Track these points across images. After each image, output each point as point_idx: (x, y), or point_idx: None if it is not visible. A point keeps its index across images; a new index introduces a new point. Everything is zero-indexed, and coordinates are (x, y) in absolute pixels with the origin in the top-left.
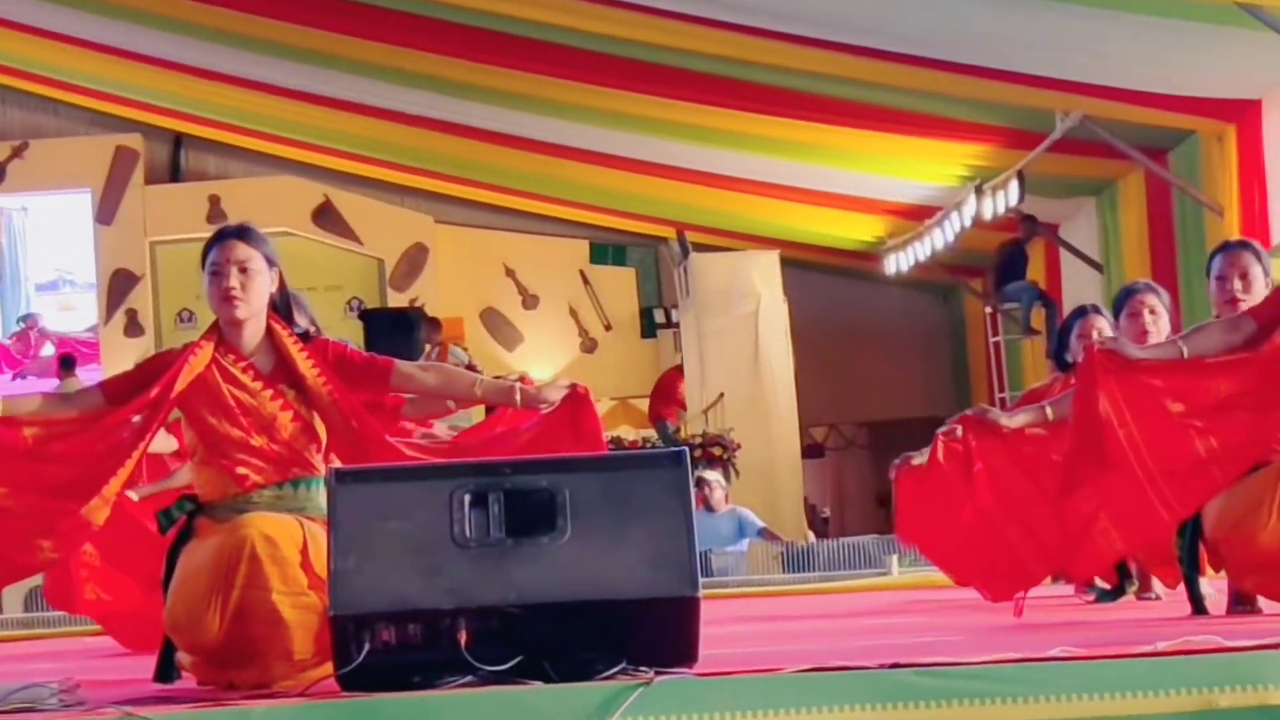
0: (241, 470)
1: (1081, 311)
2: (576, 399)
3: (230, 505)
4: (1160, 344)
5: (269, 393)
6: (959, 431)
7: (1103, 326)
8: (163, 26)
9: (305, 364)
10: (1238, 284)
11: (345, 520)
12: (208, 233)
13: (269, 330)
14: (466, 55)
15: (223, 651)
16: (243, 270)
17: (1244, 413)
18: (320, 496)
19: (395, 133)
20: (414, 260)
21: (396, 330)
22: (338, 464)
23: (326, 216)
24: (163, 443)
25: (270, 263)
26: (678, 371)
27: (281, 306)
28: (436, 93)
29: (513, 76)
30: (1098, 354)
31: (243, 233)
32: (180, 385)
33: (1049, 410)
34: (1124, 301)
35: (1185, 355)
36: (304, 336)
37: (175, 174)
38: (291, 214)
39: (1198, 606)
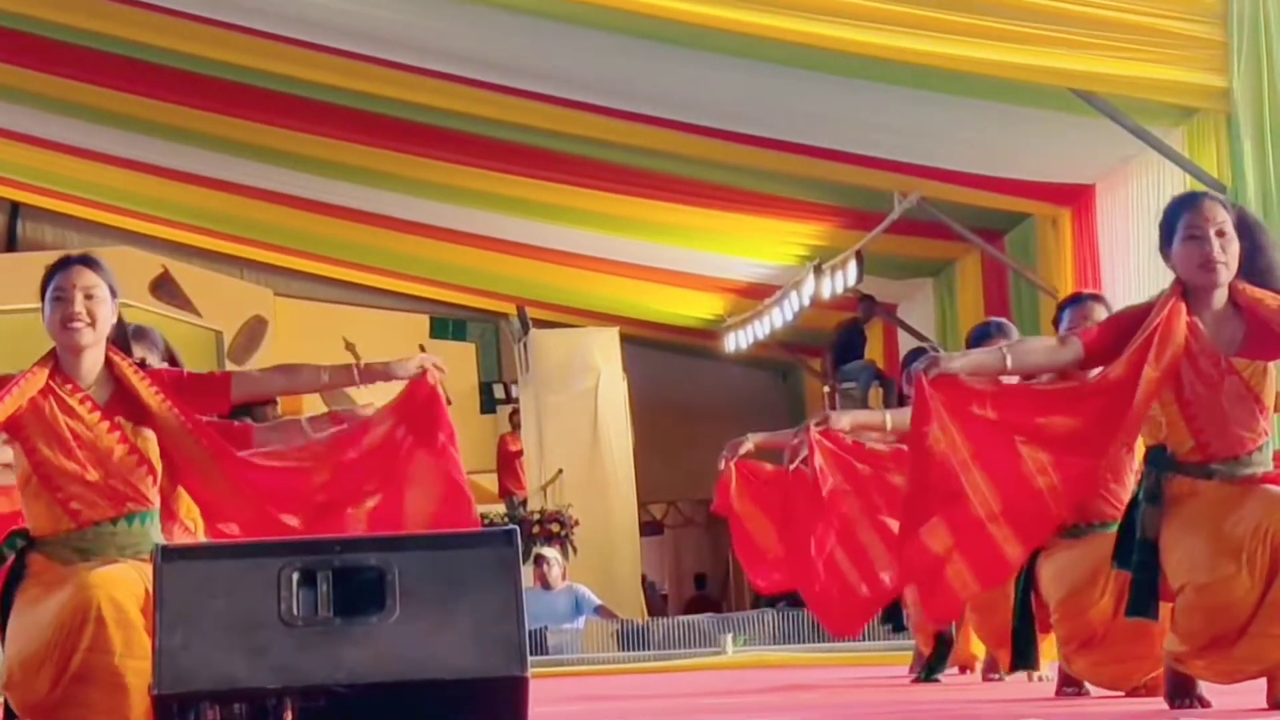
0: (75, 505)
1: (921, 354)
2: (424, 397)
3: (64, 541)
4: (985, 349)
5: (105, 424)
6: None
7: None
8: (1, 96)
9: (148, 390)
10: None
11: (171, 597)
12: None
13: (108, 361)
14: (308, 129)
15: (57, 712)
16: (88, 296)
17: (1078, 456)
18: (154, 531)
19: (235, 204)
20: (253, 333)
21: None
22: (168, 540)
23: (165, 288)
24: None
25: (113, 292)
26: (511, 439)
27: (119, 338)
28: (277, 166)
29: (354, 150)
30: (928, 382)
31: (87, 260)
32: (10, 408)
33: (888, 418)
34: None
35: (1009, 363)
36: (141, 364)
37: (11, 243)
38: (129, 285)
39: (1025, 660)
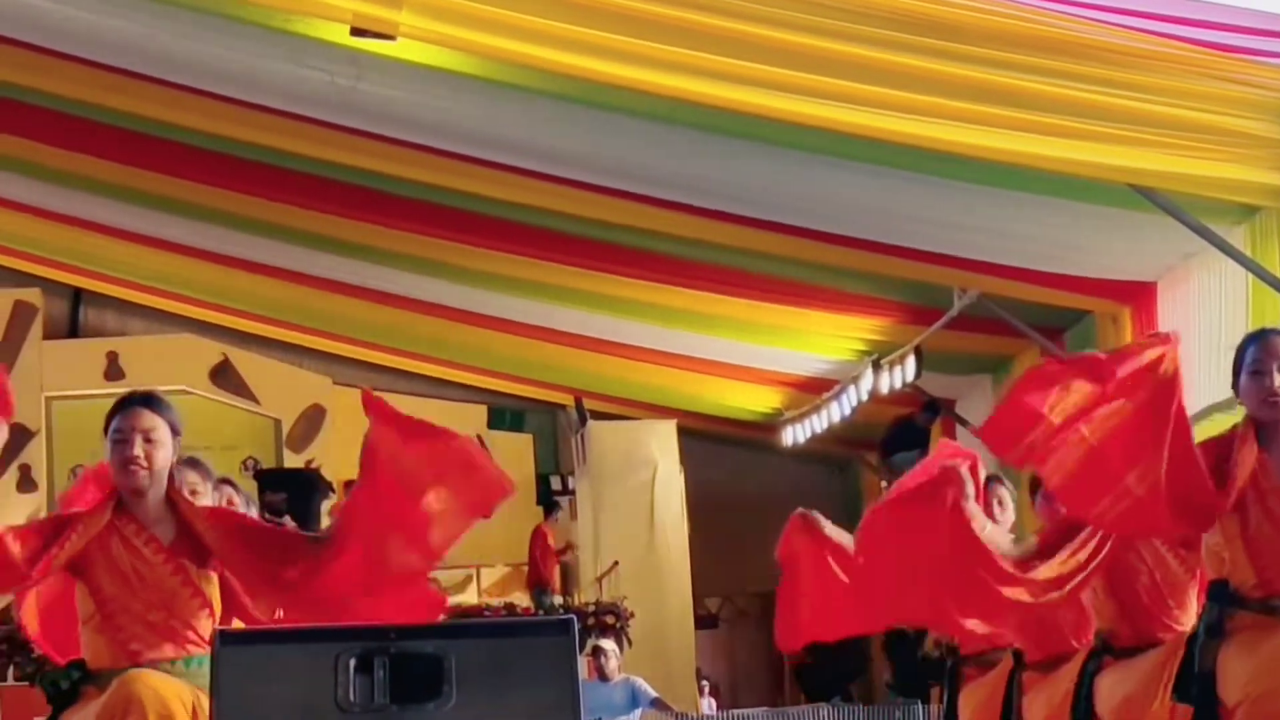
0: (135, 645)
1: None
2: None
3: (119, 676)
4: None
5: (169, 566)
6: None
7: (1003, 495)
8: (64, 182)
9: (207, 529)
10: None
11: (229, 682)
12: (104, 389)
13: (169, 499)
14: (369, 218)
15: None
16: (148, 439)
17: None
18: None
19: (295, 293)
20: (311, 421)
21: (292, 491)
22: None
23: (224, 375)
24: None
25: (174, 432)
26: (548, 531)
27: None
28: (337, 254)
29: (413, 240)
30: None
31: (149, 401)
32: (71, 552)
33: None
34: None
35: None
36: (191, 494)
37: (74, 329)
38: (189, 372)
39: None
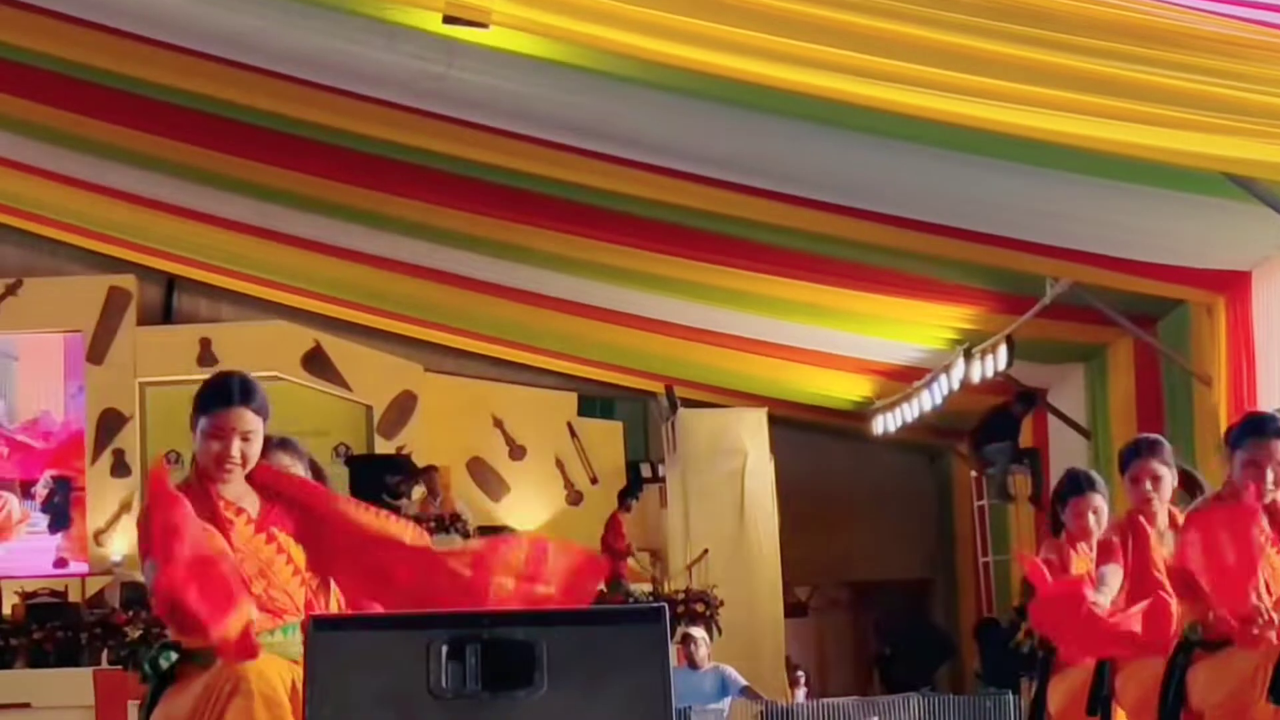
0: None
1: (1076, 488)
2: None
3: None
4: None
5: (262, 537)
6: None
7: (1099, 506)
8: (159, 169)
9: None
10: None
11: (322, 668)
12: (197, 375)
13: (254, 474)
14: (461, 205)
15: None
16: (244, 439)
17: None
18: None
19: (388, 281)
20: (402, 407)
21: (383, 477)
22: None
23: (316, 362)
24: None
25: (265, 418)
26: (613, 518)
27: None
28: (430, 242)
29: (507, 228)
30: None
31: (246, 397)
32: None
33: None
34: (1127, 464)
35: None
36: None
37: (167, 316)
38: (281, 359)
39: None
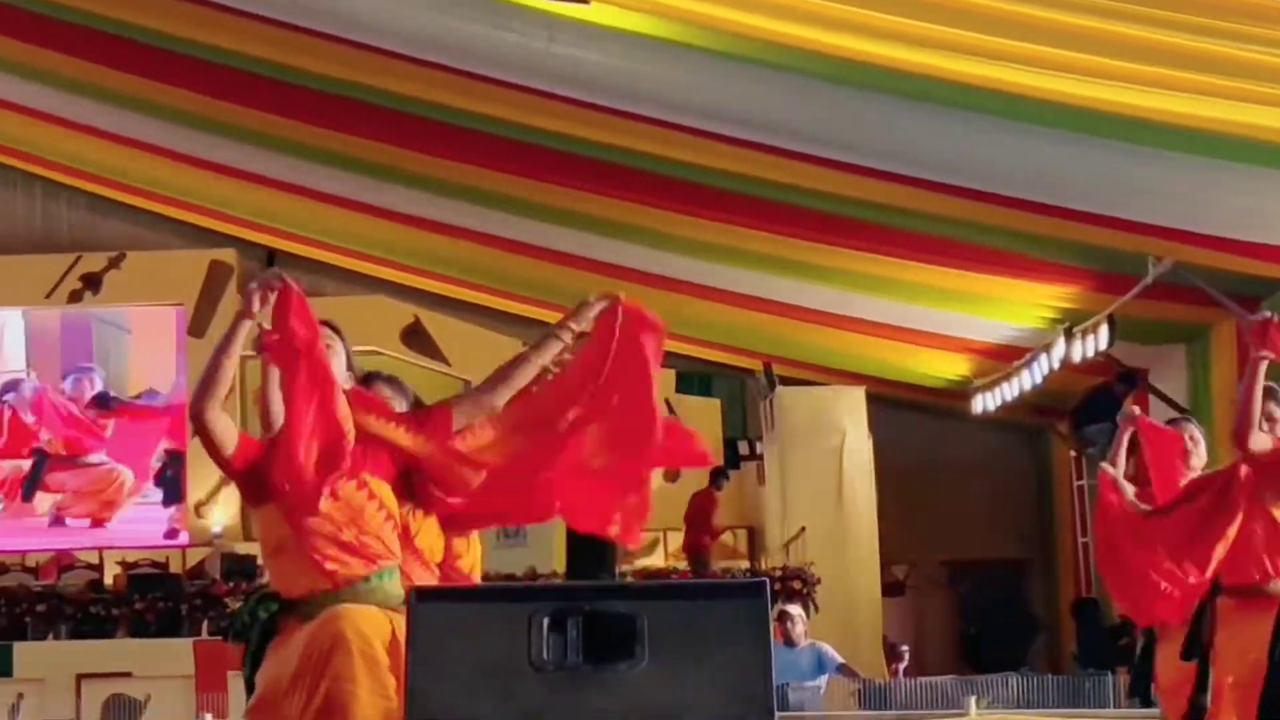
0: (331, 565)
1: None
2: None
3: (318, 601)
4: None
5: (353, 483)
6: None
7: (1194, 432)
8: (262, 143)
9: (384, 426)
10: None
11: (423, 638)
12: None
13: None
14: (559, 181)
15: None
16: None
17: None
18: (399, 583)
19: (487, 256)
20: None
21: None
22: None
23: (416, 337)
24: None
25: (348, 363)
26: (708, 496)
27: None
28: (528, 217)
29: (608, 204)
30: None
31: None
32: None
33: None
34: None
35: None
36: None
37: None
38: (381, 333)
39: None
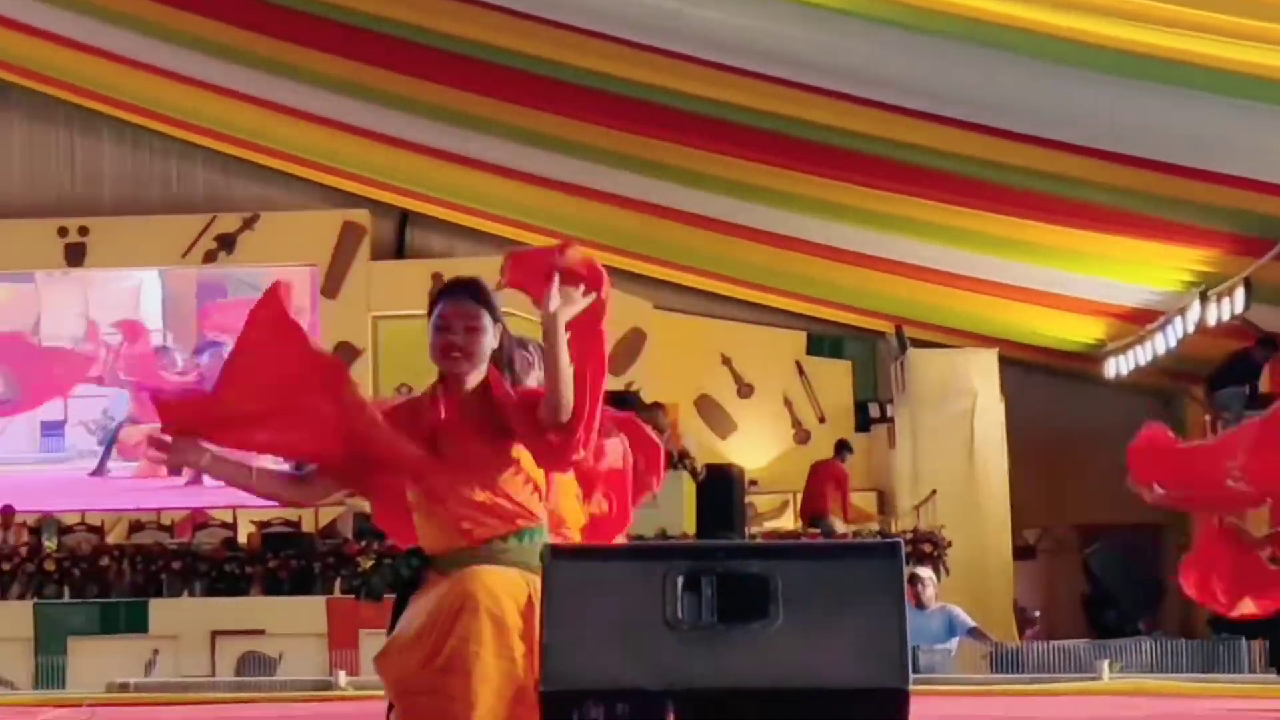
0: (466, 525)
1: None
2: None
3: (457, 559)
4: None
5: (493, 448)
6: None
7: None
8: (392, 105)
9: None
10: None
11: (558, 596)
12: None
13: (488, 383)
14: (689, 142)
15: (420, 697)
16: (469, 329)
17: None
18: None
19: (617, 216)
20: (631, 345)
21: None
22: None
23: None
24: None
25: (495, 319)
26: (835, 468)
27: (504, 361)
28: (658, 179)
29: (738, 166)
30: None
31: (472, 289)
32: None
33: None
34: None
35: None
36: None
37: (400, 250)
38: (513, 294)
39: None
